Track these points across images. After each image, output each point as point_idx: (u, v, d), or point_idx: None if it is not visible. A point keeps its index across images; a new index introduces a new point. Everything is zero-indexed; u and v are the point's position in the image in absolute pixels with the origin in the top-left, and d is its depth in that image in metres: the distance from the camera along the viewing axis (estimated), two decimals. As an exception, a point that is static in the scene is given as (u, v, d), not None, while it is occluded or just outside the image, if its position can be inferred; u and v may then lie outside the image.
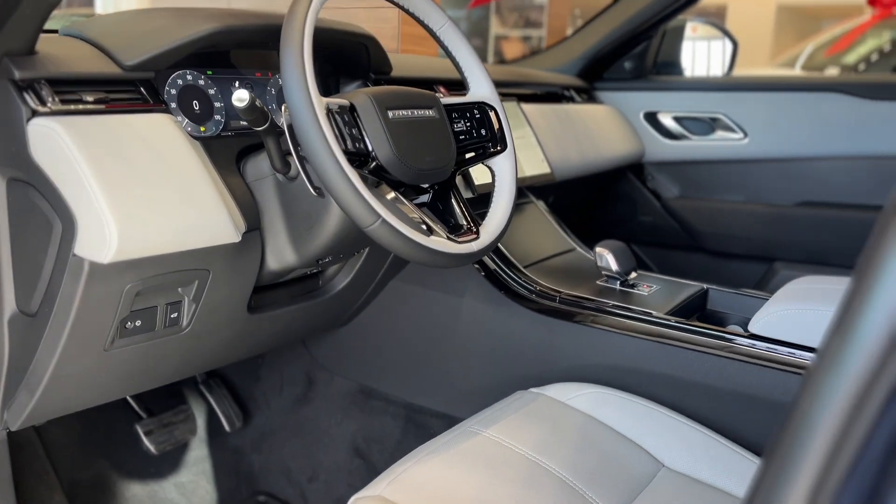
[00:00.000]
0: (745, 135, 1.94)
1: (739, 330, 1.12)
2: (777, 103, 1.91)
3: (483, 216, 1.05)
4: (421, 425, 1.39)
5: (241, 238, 0.95)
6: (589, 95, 2.05)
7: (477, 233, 1.01)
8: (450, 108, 1.07)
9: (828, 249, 1.88)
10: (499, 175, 1.10)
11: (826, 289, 1.13)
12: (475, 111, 1.10)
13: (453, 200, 1.04)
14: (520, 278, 1.27)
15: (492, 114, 1.12)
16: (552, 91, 1.88)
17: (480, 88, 1.12)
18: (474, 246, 0.98)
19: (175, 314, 0.98)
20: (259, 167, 1.03)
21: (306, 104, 0.83)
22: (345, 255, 1.15)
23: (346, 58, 1.20)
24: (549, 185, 1.53)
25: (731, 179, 2.00)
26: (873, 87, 1.80)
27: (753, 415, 1.07)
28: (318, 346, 1.51)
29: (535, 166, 1.50)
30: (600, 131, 1.88)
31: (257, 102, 0.88)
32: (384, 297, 1.39)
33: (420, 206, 1.02)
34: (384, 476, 0.90)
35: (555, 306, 1.23)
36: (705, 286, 1.32)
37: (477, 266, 1.29)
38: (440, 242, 0.92)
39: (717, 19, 1.95)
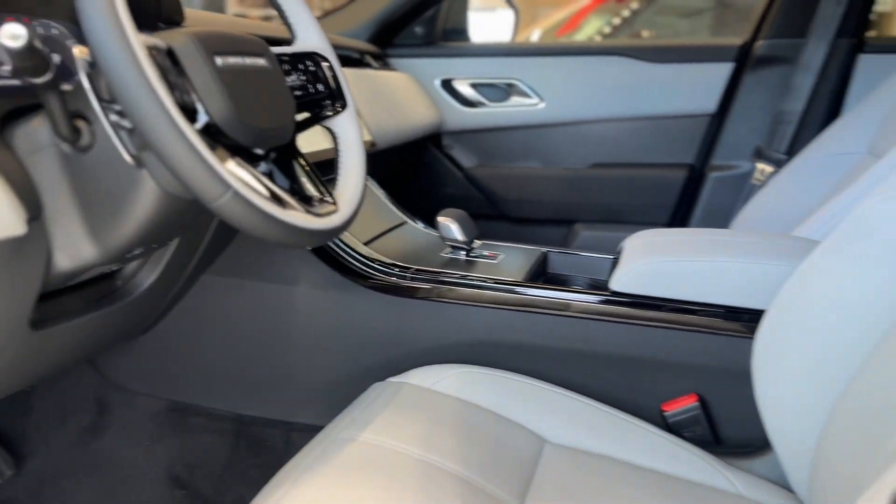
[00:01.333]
0: (541, 99, 1.96)
1: (602, 286, 1.09)
2: (570, 68, 1.95)
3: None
4: (255, 439, 1.20)
5: (26, 229, 0.70)
6: (383, 62, 1.94)
7: (334, 203, 0.85)
8: (280, 58, 0.89)
9: (621, 207, 1.97)
10: (343, 137, 0.95)
11: (667, 241, 1.13)
12: (308, 63, 0.94)
13: (299, 167, 0.87)
14: (362, 257, 1.13)
15: (325, 66, 0.96)
16: (349, 56, 1.74)
17: (310, 36, 0.96)
18: (336, 219, 0.82)
19: None
20: (34, 136, 0.77)
21: (121, 40, 0.61)
22: (159, 243, 0.92)
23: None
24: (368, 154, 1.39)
25: (528, 145, 2.01)
26: (652, 51, 1.90)
27: (626, 376, 1.04)
28: (109, 363, 1.23)
29: (355, 133, 1.35)
30: (402, 98, 1.78)
31: (36, 42, 0.64)
32: (195, 295, 1.17)
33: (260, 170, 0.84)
34: None
35: (405, 284, 1.11)
36: (544, 249, 1.29)
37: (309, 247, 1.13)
38: (299, 217, 0.75)
39: None
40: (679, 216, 1.92)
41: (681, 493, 0.89)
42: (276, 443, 1.19)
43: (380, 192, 1.37)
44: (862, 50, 1.75)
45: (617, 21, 7.83)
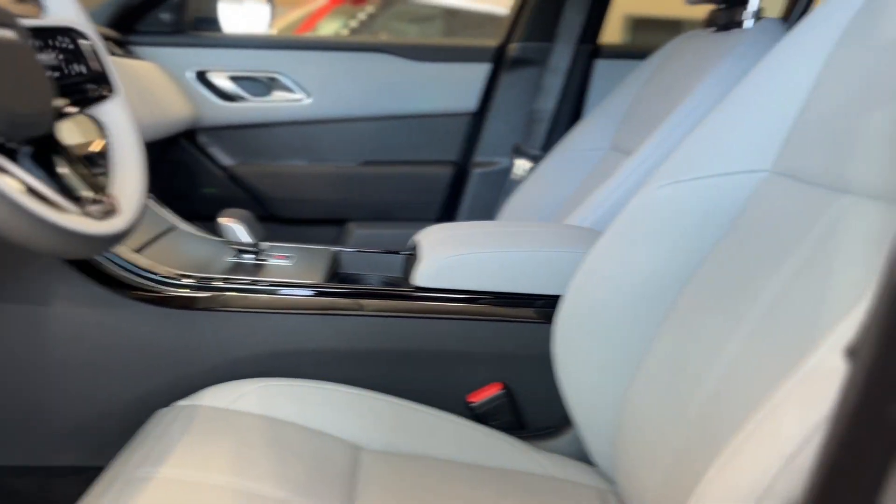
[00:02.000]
0: (307, 95, 1.88)
1: (404, 283, 1.06)
2: (334, 63, 1.90)
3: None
4: (5, 491, 0.99)
5: None
6: (125, 50, 1.73)
7: (112, 204, 0.72)
8: (32, 31, 0.73)
9: (392, 205, 1.97)
10: (113, 127, 0.81)
11: (462, 234, 1.15)
12: (63, 39, 0.79)
13: (63, 162, 0.72)
14: (132, 266, 0.98)
15: (84, 45, 0.82)
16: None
17: (64, 8, 0.80)
18: (118, 222, 0.70)
19: None
20: None
21: None
22: None
23: None
24: None
25: (295, 142, 1.93)
26: (416, 50, 1.93)
27: (432, 371, 1.03)
28: None
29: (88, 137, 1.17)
30: (147, 92, 1.60)
31: None
32: None
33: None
34: None
35: (187, 294, 0.99)
36: (334, 249, 1.23)
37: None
38: (74, 220, 0.62)
39: None
40: (447, 212, 1.97)
41: (495, 482, 0.90)
42: (30, 492, 1.00)
43: None
44: (598, 55, 1.94)
45: (354, 24, 7.95)
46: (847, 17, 0.79)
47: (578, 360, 0.94)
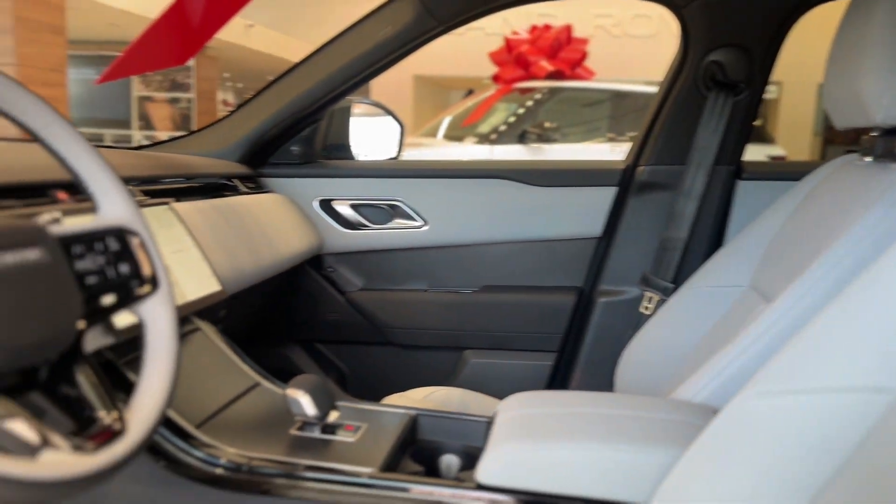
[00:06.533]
0: (425, 222, 1.87)
1: (469, 477, 0.96)
2: (452, 189, 1.87)
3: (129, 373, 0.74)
4: None
5: None
6: (255, 184, 1.81)
7: (122, 423, 0.70)
8: (70, 241, 0.74)
9: (510, 333, 1.88)
10: (150, 327, 0.80)
11: (540, 416, 1.03)
12: (110, 241, 0.79)
13: (82, 377, 0.72)
14: (191, 446, 0.96)
15: (134, 242, 0.82)
16: (212, 182, 1.61)
17: (115, 208, 0.82)
18: (118, 450, 0.67)
19: None
20: None
21: None
22: None
23: None
24: (214, 305, 1.25)
25: (413, 268, 1.91)
26: (533, 174, 1.86)
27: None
28: None
29: (200, 286, 1.20)
30: (273, 225, 1.65)
31: None
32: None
33: (25, 390, 0.68)
34: None
35: (242, 478, 0.95)
36: (413, 412, 1.16)
37: (128, 435, 0.95)
38: (58, 463, 0.60)
39: (362, 91, 1.85)
40: (569, 344, 1.84)
41: None
42: None
43: (226, 348, 1.22)
44: (740, 177, 1.75)
45: (521, 111, 8.08)
46: None
47: None
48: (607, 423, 0.98)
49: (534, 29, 9.64)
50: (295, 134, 1.85)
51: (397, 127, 2.13)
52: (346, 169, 1.93)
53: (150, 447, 0.96)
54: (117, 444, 0.67)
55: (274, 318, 1.89)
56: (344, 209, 1.89)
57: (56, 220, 0.76)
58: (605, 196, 1.82)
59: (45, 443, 0.60)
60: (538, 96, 8.20)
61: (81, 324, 0.71)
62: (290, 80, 1.77)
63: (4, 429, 0.58)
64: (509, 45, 9.51)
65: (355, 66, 1.70)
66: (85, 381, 0.71)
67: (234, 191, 1.67)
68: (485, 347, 1.87)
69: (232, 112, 1.85)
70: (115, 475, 0.66)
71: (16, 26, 7.12)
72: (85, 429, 0.68)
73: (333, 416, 1.07)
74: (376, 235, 1.89)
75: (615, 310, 1.79)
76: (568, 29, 9.50)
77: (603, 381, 1.70)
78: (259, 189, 1.80)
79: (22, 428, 0.59)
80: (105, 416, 0.70)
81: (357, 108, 2.08)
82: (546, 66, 9.21)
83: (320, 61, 1.74)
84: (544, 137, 7.26)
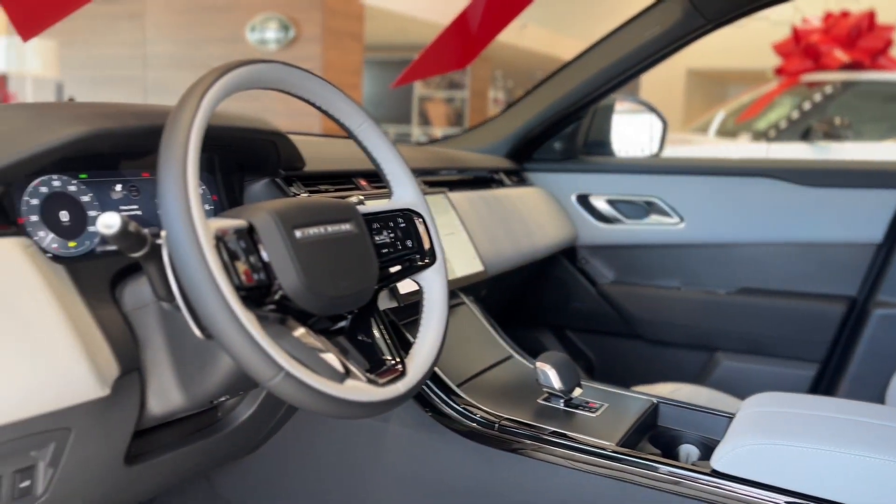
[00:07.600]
0: (682, 219, 1.87)
1: (705, 465, 0.99)
2: (712, 187, 1.85)
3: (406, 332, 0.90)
4: None
5: (109, 391, 0.76)
6: (519, 177, 1.95)
7: (403, 367, 0.86)
8: (371, 218, 0.92)
9: (768, 339, 1.81)
10: (428, 292, 0.96)
11: (786, 414, 1.02)
12: (399, 220, 0.96)
13: (375, 328, 0.89)
14: (453, 401, 1.12)
15: (418, 222, 0.98)
16: (481, 175, 1.77)
17: (405, 193, 0.99)
18: (400, 387, 0.83)
19: (27, 482, 0.78)
20: (139, 293, 0.85)
21: (187, 234, 0.67)
22: (245, 390, 0.98)
23: (251, 153, 1.05)
24: (477, 283, 1.40)
25: (667, 264, 1.92)
26: (805, 174, 1.77)
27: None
28: (221, 478, 1.30)
29: (466, 265, 1.36)
30: (532, 216, 1.78)
31: (131, 227, 0.71)
32: (298, 420, 1.21)
33: (335, 333, 0.87)
34: None
35: (493, 434, 1.08)
36: (655, 400, 1.20)
37: (404, 385, 1.13)
38: (358, 389, 0.76)
39: (632, 85, 1.87)
40: (836, 355, 1.73)
41: None
42: None
43: (485, 322, 1.36)
44: None
45: (807, 106, 7.38)
46: None
47: None
48: (858, 428, 0.95)
49: (828, 17, 8.74)
50: (558, 131, 1.96)
51: (660, 124, 2.14)
52: (605, 165, 2.00)
53: (420, 399, 1.13)
54: (399, 382, 0.83)
55: (528, 302, 2.02)
56: (600, 204, 1.96)
57: (361, 202, 0.94)
58: (888, 199, 1.67)
59: (348, 373, 0.77)
60: (829, 90, 7.44)
61: (376, 286, 0.88)
62: (556, 80, 1.87)
63: (322, 358, 0.75)
64: (797, 35, 8.72)
65: (620, 65, 1.76)
66: (376, 332, 0.89)
67: (500, 184, 1.83)
68: (738, 350, 1.83)
69: (502, 111, 2.00)
70: (396, 406, 0.81)
71: (323, 35, 8.15)
72: (376, 368, 0.85)
73: (577, 393, 1.16)
74: (631, 230, 1.93)
75: (893, 323, 1.65)
76: (870, 15, 8.46)
77: (872, 396, 1.58)
78: (522, 182, 1.94)
79: (333, 360, 0.76)
80: (390, 361, 0.87)
81: (620, 105, 2.13)
82: (841, 56, 8.29)
83: (586, 62, 1.82)
84: (833, 135, 6.56)
